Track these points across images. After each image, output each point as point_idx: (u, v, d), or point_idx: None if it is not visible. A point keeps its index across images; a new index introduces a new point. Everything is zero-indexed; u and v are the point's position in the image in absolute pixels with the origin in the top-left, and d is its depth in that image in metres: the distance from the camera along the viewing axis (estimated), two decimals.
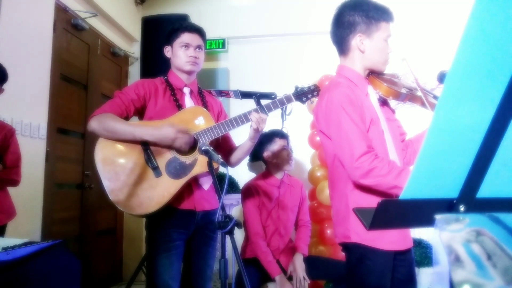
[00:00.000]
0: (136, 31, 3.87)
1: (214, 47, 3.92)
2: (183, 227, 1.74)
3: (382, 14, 1.41)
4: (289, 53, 3.94)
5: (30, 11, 2.63)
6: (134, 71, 4.07)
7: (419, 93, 1.39)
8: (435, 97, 1.43)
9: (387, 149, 1.39)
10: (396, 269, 1.40)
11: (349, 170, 1.30)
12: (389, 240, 1.34)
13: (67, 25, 3.11)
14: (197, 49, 1.82)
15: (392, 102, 1.59)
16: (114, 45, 3.83)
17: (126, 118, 1.73)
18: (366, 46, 1.42)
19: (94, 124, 1.64)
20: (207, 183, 1.80)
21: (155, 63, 3.33)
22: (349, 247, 1.40)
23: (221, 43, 3.95)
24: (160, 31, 3.36)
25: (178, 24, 1.84)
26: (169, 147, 1.66)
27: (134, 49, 4.12)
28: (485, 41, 0.49)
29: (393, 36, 1.46)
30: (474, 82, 0.52)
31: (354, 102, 1.35)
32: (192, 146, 1.71)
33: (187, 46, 1.80)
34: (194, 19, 3.60)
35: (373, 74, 1.46)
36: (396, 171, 1.22)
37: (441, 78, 1.41)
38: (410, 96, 1.44)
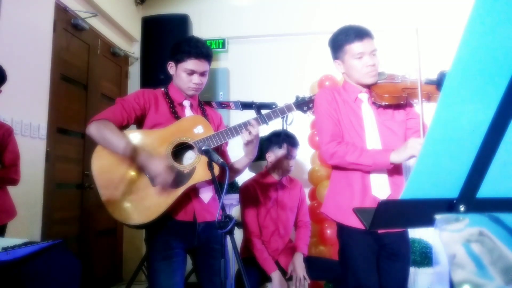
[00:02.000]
0: (136, 31, 3.87)
1: (214, 47, 3.92)
2: (183, 238, 1.70)
3: (343, 39, 1.65)
4: (289, 53, 3.94)
5: (30, 11, 2.63)
6: (134, 71, 4.07)
7: (417, 90, 1.49)
8: (431, 82, 1.56)
9: (365, 145, 1.62)
10: (384, 271, 1.63)
11: (321, 154, 1.71)
12: (345, 216, 1.62)
13: (67, 25, 3.11)
14: (202, 75, 1.76)
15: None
16: (114, 45, 3.83)
17: (127, 125, 1.71)
18: (342, 68, 1.70)
19: (93, 129, 1.63)
20: (207, 195, 1.75)
21: (155, 63, 3.33)
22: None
23: (221, 43, 3.95)
24: (160, 31, 3.37)
25: (186, 45, 1.73)
26: (150, 177, 1.61)
27: (134, 49, 4.12)
28: (485, 41, 0.49)
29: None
30: (474, 82, 0.52)
31: (330, 102, 1.68)
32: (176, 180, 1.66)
33: (192, 73, 1.74)
34: (194, 19, 3.61)
35: (372, 89, 1.65)
36: (352, 151, 1.57)
37: (441, 78, 1.42)
38: (407, 97, 1.60)
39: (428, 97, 1.52)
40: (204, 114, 1.86)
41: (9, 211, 2.15)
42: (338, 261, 2.42)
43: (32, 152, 2.56)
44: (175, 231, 1.68)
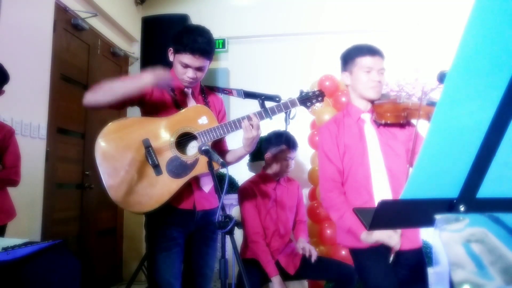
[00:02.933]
0: (136, 31, 3.87)
1: None
2: (183, 226, 1.74)
3: (356, 52, 1.72)
4: (289, 53, 3.94)
5: (30, 11, 2.63)
6: (134, 71, 4.07)
7: (416, 109, 1.60)
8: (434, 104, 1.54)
9: (368, 166, 1.67)
10: (400, 267, 1.61)
11: (321, 197, 1.76)
12: (354, 239, 1.62)
13: (67, 25, 3.11)
14: (197, 70, 1.73)
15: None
16: (114, 45, 3.83)
17: (124, 102, 1.69)
18: (349, 80, 1.76)
19: (89, 96, 1.62)
20: (207, 185, 1.78)
21: (155, 63, 3.32)
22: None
23: (221, 43, 3.95)
24: (160, 31, 3.37)
25: (185, 38, 1.68)
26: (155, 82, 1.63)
27: (134, 49, 4.12)
28: (485, 41, 0.49)
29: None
30: (474, 82, 0.52)
31: (331, 138, 1.73)
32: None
33: (186, 67, 1.72)
34: (194, 19, 3.61)
35: (375, 104, 1.70)
36: (336, 209, 1.66)
37: (441, 78, 1.42)
38: (408, 116, 1.65)
39: (429, 118, 1.54)
40: (206, 101, 1.86)
41: (8, 211, 2.15)
42: (338, 261, 2.44)
43: (32, 152, 2.56)
44: (176, 220, 1.72)
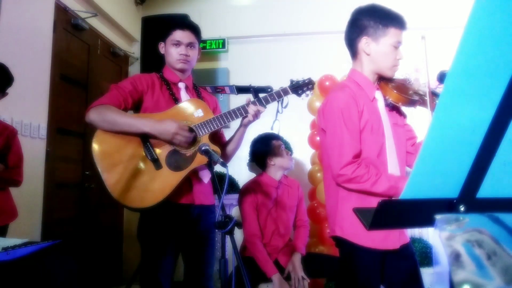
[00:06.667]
0: (136, 31, 3.87)
1: (214, 47, 3.92)
2: (178, 223, 1.72)
3: (391, 21, 1.45)
4: (289, 53, 3.94)
5: (30, 11, 2.63)
6: (134, 71, 4.07)
7: (428, 98, 1.39)
8: None
9: (386, 154, 1.46)
10: (391, 269, 1.47)
11: (335, 175, 1.42)
12: (369, 238, 1.41)
13: (67, 25, 3.11)
14: (189, 47, 1.81)
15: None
16: (114, 45, 3.83)
17: (124, 110, 1.71)
18: (371, 49, 1.47)
19: (93, 115, 1.62)
20: (207, 177, 1.78)
21: (155, 63, 3.31)
22: (338, 242, 1.50)
23: (221, 43, 3.95)
24: (160, 31, 3.37)
25: (171, 23, 1.85)
26: (169, 142, 1.65)
27: (134, 49, 4.12)
28: (485, 41, 0.49)
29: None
30: (474, 82, 0.52)
31: (352, 109, 1.43)
32: (192, 141, 1.70)
33: (177, 44, 1.79)
34: (194, 19, 3.59)
35: (384, 80, 1.52)
36: (373, 179, 1.36)
37: (441, 78, 1.42)
38: (420, 101, 1.49)
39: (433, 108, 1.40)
40: (200, 97, 1.89)
41: (11, 212, 2.16)
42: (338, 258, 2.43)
43: (32, 152, 2.56)
44: (172, 216, 1.70)
